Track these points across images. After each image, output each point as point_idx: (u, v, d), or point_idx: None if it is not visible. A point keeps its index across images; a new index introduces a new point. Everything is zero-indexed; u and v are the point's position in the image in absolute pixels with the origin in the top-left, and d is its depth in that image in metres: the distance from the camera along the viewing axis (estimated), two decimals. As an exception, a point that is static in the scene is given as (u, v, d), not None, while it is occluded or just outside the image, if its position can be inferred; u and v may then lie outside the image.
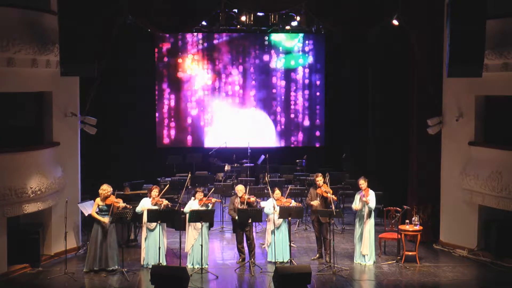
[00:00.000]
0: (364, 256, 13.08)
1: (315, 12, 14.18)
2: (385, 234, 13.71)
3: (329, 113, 21.57)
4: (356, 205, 13.16)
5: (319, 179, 13.27)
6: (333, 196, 13.36)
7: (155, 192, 12.85)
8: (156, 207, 12.69)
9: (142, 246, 12.95)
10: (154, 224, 12.66)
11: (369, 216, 12.99)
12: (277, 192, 13.37)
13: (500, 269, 12.99)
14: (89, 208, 13.06)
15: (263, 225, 14.63)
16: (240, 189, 13.21)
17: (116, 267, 12.54)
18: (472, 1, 12.46)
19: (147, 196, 13.11)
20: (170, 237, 14.07)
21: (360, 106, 19.97)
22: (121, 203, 12.51)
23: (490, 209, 13.56)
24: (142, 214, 12.83)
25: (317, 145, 21.80)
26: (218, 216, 15.95)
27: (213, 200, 13.13)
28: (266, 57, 21.34)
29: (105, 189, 12.53)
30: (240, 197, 13.10)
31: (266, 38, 21.21)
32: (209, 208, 12.88)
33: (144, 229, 12.88)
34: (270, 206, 13.16)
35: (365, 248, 13.04)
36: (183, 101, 21.26)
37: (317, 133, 21.72)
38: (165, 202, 12.83)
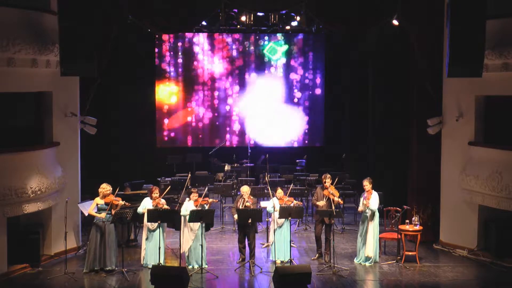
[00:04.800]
0: (368, 258, 13.07)
1: (315, 12, 14.18)
2: (385, 234, 13.70)
3: (329, 112, 21.56)
4: (360, 207, 13.18)
5: (327, 180, 13.24)
6: (340, 199, 13.37)
7: (155, 193, 12.83)
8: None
9: (143, 247, 12.95)
10: (155, 224, 12.64)
11: (372, 218, 12.99)
12: (279, 191, 13.36)
13: (500, 269, 12.99)
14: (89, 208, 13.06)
15: (263, 225, 14.62)
16: (245, 190, 13.12)
17: (114, 267, 12.53)
18: (472, 1, 12.46)
19: (147, 196, 13.12)
20: (170, 237, 14.08)
21: (360, 106, 19.95)
22: (120, 201, 12.54)
23: (490, 209, 13.56)
24: (143, 214, 12.82)
25: (317, 145, 21.79)
26: (218, 216, 15.95)
27: (209, 200, 13.09)
28: (266, 57, 21.32)
29: (105, 187, 12.56)
30: (244, 198, 13.09)
31: (266, 38, 21.20)
32: (206, 208, 12.85)
33: (144, 229, 12.87)
34: (271, 205, 13.18)
35: (368, 250, 13.03)
36: (183, 101, 21.24)
37: (317, 133, 21.70)
38: (165, 206, 12.80)
